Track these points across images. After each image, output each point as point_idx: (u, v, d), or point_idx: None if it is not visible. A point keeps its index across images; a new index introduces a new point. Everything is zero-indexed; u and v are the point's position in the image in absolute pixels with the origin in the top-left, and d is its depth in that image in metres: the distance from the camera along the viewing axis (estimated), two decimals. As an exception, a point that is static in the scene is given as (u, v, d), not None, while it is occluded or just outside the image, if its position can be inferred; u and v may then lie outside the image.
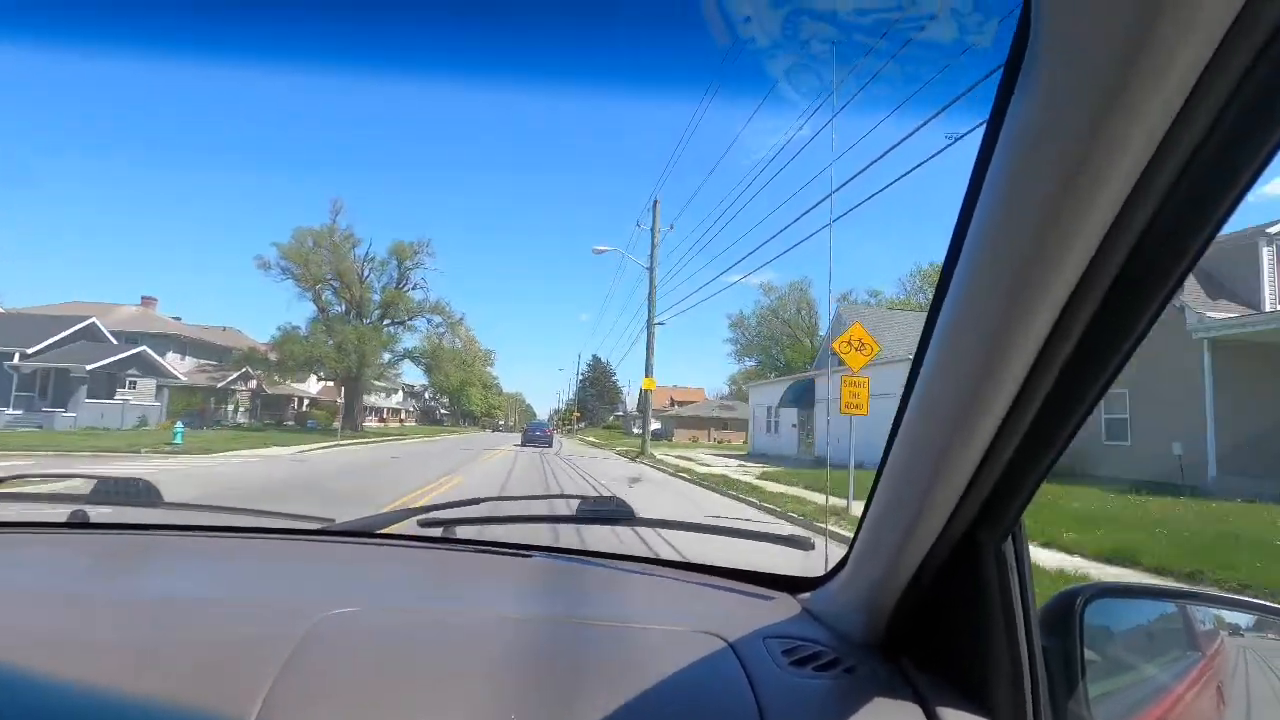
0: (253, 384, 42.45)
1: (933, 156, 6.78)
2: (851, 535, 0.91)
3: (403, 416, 79.00)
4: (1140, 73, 0.40)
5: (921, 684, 0.80)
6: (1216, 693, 0.85)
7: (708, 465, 19.96)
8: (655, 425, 56.89)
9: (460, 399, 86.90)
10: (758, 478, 15.44)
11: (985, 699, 0.76)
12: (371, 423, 60.52)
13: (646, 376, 25.96)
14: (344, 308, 41.68)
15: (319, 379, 44.93)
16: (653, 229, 25.91)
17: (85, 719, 0.69)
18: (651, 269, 25.87)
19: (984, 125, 0.53)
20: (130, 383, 31.67)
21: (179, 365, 36.75)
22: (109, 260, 75.03)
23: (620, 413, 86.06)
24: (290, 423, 44.27)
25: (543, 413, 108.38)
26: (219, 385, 38.55)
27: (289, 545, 1.30)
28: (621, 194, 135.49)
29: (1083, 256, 0.49)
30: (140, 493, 1.36)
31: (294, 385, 47.84)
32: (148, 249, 78.87)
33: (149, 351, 32.89)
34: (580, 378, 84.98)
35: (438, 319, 45.63)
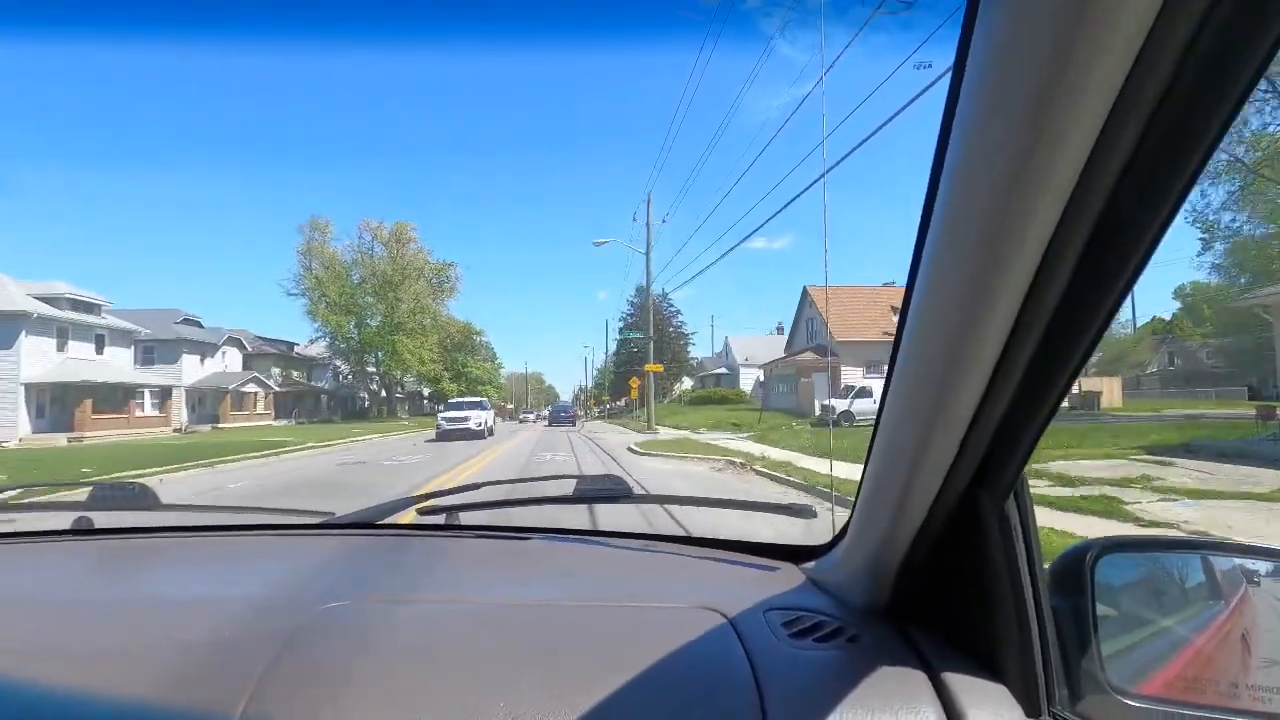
0: None
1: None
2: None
3: (259, 407, 41.12)
4: None
5: (928, 651, 0.77)
6: (1241, 642, 0.82)
7: None
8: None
9: (381, 357, 43.90)
10: None
11: (994, 663, 0.73)
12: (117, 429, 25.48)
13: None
14: None
15: None
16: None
17: None
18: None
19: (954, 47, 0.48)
20: None
21: None
22: None
23: (723, 368, 48.52)
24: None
25: (565, 394, 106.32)
26: None
27: (287, 541, 1.29)
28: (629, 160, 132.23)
29: (1068, 179, 0.44)
30: (137, 496, 1.37)
31: None
32: None
33: None
34: (620, 321, 49.16)
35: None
